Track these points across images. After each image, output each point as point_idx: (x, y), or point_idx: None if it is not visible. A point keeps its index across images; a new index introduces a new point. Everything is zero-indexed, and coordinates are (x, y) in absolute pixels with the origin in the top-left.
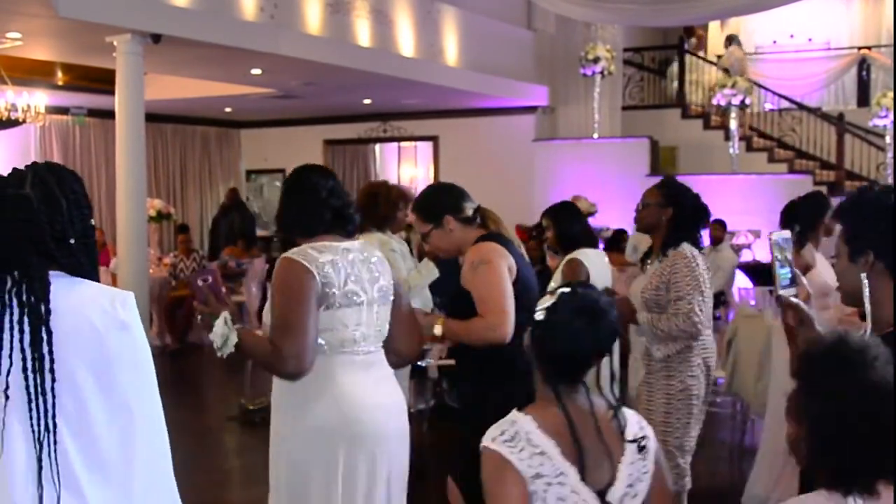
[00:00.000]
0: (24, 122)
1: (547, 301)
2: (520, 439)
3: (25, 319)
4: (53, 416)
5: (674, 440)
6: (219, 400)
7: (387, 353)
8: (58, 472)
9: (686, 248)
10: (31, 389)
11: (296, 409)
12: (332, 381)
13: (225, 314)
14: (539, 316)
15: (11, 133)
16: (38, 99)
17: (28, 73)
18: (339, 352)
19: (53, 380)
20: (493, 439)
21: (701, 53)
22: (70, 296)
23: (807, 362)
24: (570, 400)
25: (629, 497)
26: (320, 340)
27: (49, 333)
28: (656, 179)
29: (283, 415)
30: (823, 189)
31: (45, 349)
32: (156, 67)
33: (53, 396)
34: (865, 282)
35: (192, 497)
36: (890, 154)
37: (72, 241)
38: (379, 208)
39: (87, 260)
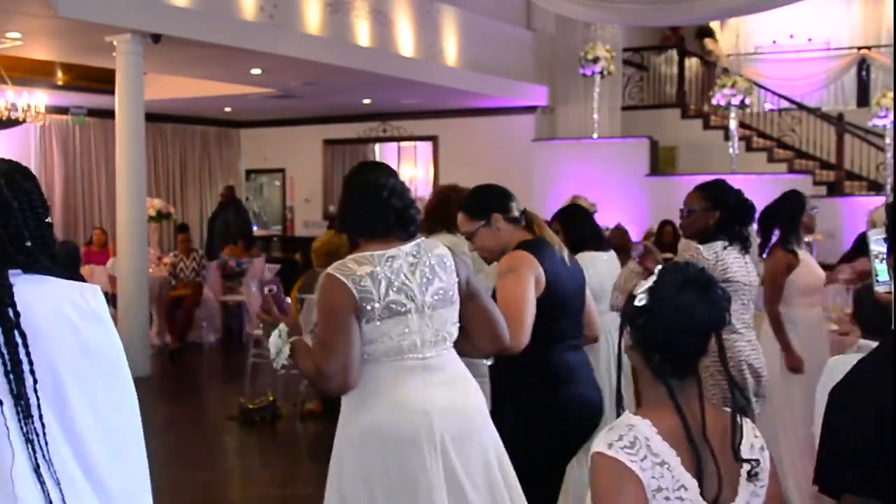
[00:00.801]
0: (24, 121)
1: (645, 284)
2: (640, 446)
3: None
4: (41, 417)
5: None
6: (218, 399)
7: (473, 348)
8: (55, 471)
9: (704, 250)
10: (13, 392)
11: (348, 415)
12: (380, 389)
13: (282, 326)
14: (640, 302)
15: (11, 133)
16: (38, 99)
17: (28, 72)
18: (385, 361)
19: (35, 381)
20: (609, 445)
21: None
22: (39, 293)
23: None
24: (684, 399)
25: None
26: (365, 351)
27: (23, 336)
28: (656, 179)
29: (340, 419)
30: (823, 189)
31: (22, 352)
32: (156, 67)
33: (38, 397)
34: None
35: (192, 496)
36: (889, 154)
37: (28, 243)
38: (450, 210)
39: (47, 259)
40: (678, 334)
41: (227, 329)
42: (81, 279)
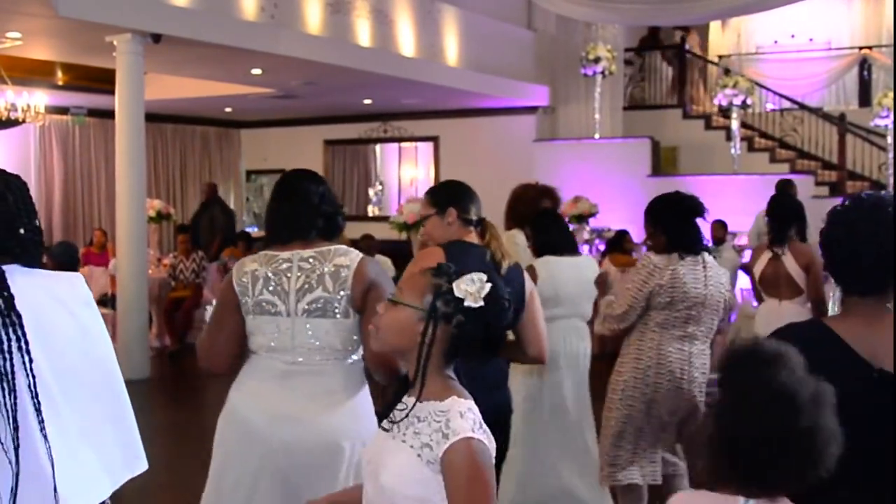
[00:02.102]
0: (23, 121)
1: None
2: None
3: None
4: (36, 395)
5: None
6: (218, 401)
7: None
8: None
9: (658, 260)
10: (7, 373)
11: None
12: (246, 380)
13: None
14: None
15: (11, 133)
16: (37, 99)
17: (28, 72)
18: (264, 356)
19: (31, 360)
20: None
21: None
22: (31, 280)
23: (725, 358)
24: None
25: None
26: (249, 341)
27: (18, 316)
28: (658, 180)
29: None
30: (825, 189)
31: (19, 332)
32: (156, 67)
33: (34, 377)
34: None
35: (192, 497)
36: (891, 154)
37: (21, 231)
38: (519, 207)
39: (37, 253)
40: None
41: None
42: None
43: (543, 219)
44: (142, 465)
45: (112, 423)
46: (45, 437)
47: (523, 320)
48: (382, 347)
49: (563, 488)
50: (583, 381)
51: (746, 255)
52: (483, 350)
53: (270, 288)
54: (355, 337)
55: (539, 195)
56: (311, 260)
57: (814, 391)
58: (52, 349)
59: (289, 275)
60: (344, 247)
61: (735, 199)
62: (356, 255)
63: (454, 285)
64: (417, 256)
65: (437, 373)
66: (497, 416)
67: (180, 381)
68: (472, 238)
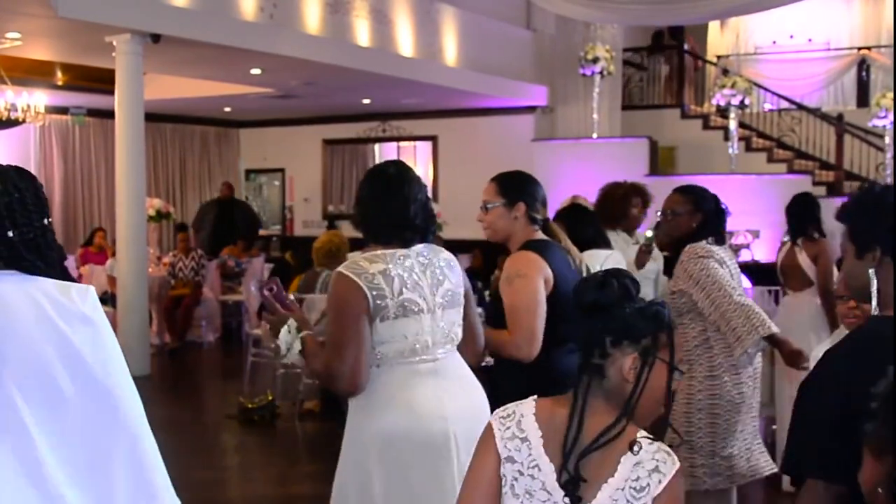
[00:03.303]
0: (23, 121)
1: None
2: (512, 419)
3: None
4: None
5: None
6: (218, 398)
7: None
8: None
9: (717, 249)
10: None
11: (362, 421)
12: (394, 394)
13: (290, 321)
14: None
15: (11, 133)
16: (37, 99)
17: (27, 72)
18: (398, 363)
19: None
20: (496, 414)
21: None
22: (21, 292)
23: None
24: (585, 397)
25: None
26: (378, 351)
27: None
28: (656, 179)
29: (350, 425)
30: (823, 189)
31: None
32: (155, 67)
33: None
34: (874, 277)
35: (192, 494)
36: (889, 154)
37: (10, 233)
38: (608, 207)
39: (37, 258)
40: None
41: (227, 328)
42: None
43: (580, 214)
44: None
45: (112, 459)
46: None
47: None
48: None
49: None
50: None
51: (744, 255)
52: None
53: (409, 286)
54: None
55: (628, 193)
56: (426, 254)
57: None
58: (26, 374)
59: (416, 271)
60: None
61: (732, 199)
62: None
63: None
64: (516, 259)
65: None
66: None
67: (180, 378)
68: (538, 236)
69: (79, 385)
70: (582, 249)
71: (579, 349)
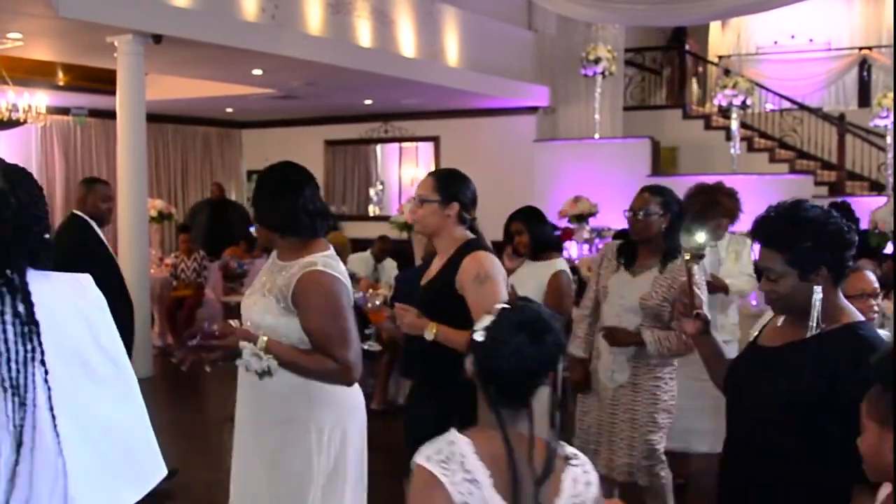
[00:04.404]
0: (25, 122)
1: (486, 320)
2: (454, 461)
3: (9, 314)
4: (52, 409)
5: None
6: (218, 399)
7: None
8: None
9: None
10: (13, 384)
11: (329, 397)
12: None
13: (242, 344)
14: (479, 337)
15: (12, 133)
16: (38, 99)
17: (29, 73)
18: None
19: (46, 372)
20: (427, 458)
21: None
22: (45, 285)
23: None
24: (514, 427)
25: None
26: None
27: (37, 325)
28: (657, 180)
29: (304, 408)
30: (824, 189)
31: (36, 342)
32: (157, 68)
33: (49, 389)
34: (820, 295)
35: (194, 495)
36: (891, 154)
37: (35, 229)
38: (694, 206)
39: (47, 253)
40: (511, 374)
41: None
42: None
43: (538, 214)
44: (161, 473)
45: (132, 433)
46: (60, 451)
47: None
48: None
49: None
50: None
51: None
52: None
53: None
54: None
55: (716, 194)
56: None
57: None
58: (69, 359)
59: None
60: None
61: None
62: None
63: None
64: (481, 260)
65: None
66: None
67: (182, 380)
68: (469, 235)
69: (107, 368)
70: (540, 251)
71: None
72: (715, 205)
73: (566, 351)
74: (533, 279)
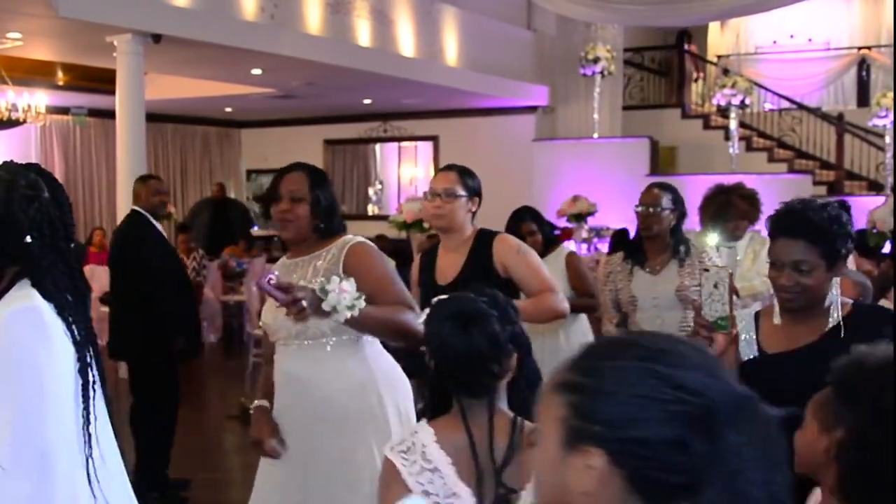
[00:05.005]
0: (24, 122)
1: (424, 314)
2: (415, 452)
3: None
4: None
5: None
6: (219, 399)
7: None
8: None
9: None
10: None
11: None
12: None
13: (326, 279)
14: (421, 328)
15: (12, 133)
16: (38, 99)
17: (28, 73)
18: None
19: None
20: (391, 448)
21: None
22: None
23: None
24: (474, 416)
25: None
26: None
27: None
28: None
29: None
30: (823, 189)
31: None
32: (156, 67)
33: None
34: (838, 286)
35: (194, 495)
36: (889, 154)
37: (27, 238)
38: (710, 207)
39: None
40: (452, 364)
41: (228, 329)
42: (83, 278)
43: (539, 213)
44: None
45: None
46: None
47: None
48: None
49: None
50: None
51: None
52: None
53: None
54: None
55: (732, 195)
56: None
57: None
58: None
59: None
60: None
61: None
62: None
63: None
64: (509, 238)
65: None
66: None
67: (181, 379)
68: (474, 228)
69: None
70: (549, 245)
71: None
72: (730, 206)
73: (516, 339)
74: (552, 273)
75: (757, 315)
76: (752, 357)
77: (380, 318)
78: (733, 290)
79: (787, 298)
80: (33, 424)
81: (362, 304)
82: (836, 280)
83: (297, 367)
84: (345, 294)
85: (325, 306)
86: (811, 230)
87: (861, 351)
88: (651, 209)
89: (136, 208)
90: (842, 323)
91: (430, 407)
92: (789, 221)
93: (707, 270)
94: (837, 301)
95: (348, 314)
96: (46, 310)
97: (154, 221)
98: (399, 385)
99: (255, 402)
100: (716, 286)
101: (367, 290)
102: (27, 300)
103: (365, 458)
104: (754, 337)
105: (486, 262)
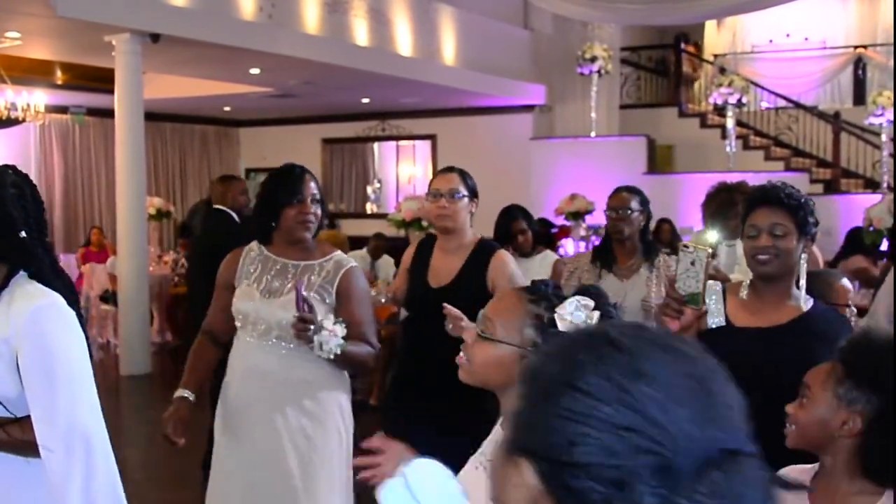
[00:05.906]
0: (23, 121)
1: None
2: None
3: None
4: None
5: None
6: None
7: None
8: None
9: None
10: None
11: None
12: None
13: (326, 316)
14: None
15: (11, 132)
16: (37, 98)
17: (27, 72)
18: None
19: None
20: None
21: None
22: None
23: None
24: None
25: None
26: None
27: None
28: (653, 178)
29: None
30: (820, 187)
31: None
32: (155, 66)
33: None
34: (805, 258)
35: (192, 493)
36: (886, 152)
37: (22, 233)
38: (712, 206)
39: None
40: None
41: None
42: (68, 279)
43: (527, 212)
44: None
45: None
46: None
47: None
48: (475, 382)
49: None
50: None
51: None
52: None
53: None
54: None
55: (734, 193)
56: None
57: None
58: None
59: None
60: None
61: None
62: None
63: (557, 316)
64: (509, 261)
65: None
66: None
67: (181, 377)
68: (474, 233)
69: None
70: (538, 244)
71: None
72: (731, 204)
73: None
74: (537, 275)
75: (724, 291)
76: (716, 324)
77: (349, 358)
78: (711, 275)
79: (763, 261)
80: (74, 410)
81: (345, 346)
82: (804, 258)
83: (266, 362)
84: (334, 338)
85: (314, 342)
86: (786, 200)
87: (866, 329)
88: (620, 212)
89: (221, 207)
90: (808, 312)
91: None
92: (769, 194)
93: (686, 247)
94: (803, 270)
95: (329, 356)
96: (64, 302)
97: (238, 220)
98: (346, 379)
99: (182, 391)
100: (693, 263)
101: (346, 315)
102: (46, 294)
103: (335, 447)
104: (722, 308)
105: (480, 273)
